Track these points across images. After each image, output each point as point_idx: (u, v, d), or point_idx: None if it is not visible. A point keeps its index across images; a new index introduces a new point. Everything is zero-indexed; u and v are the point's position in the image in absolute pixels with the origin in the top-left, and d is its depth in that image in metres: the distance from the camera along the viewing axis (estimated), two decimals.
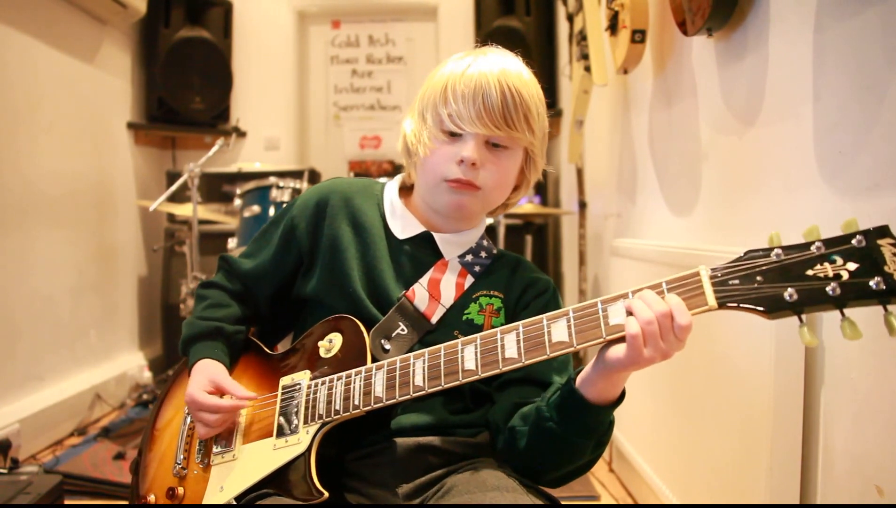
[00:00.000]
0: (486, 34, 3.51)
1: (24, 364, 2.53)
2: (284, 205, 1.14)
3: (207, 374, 1.00)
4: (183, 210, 2.76)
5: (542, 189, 3.57)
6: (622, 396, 0.84)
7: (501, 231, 2.85)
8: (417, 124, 1.00)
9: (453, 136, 0.96)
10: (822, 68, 1.15)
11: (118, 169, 3.36)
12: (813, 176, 1.16)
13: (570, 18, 2.70)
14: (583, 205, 2.88)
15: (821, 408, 1.14)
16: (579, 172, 2.87)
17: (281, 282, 1.09)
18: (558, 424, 0.85)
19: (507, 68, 0.95)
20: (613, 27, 2.01)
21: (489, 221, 3.01)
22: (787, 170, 1.27)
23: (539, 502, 0.88)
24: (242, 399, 0.98)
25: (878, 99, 1.01)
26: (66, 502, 1.87)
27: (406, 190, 1.09)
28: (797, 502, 1.16)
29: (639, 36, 1.88)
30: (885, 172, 0.99)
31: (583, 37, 2.37)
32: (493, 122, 0.93)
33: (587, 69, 2.32)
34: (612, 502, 2.08)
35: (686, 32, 1.55)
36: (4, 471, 1.90)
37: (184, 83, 3.62)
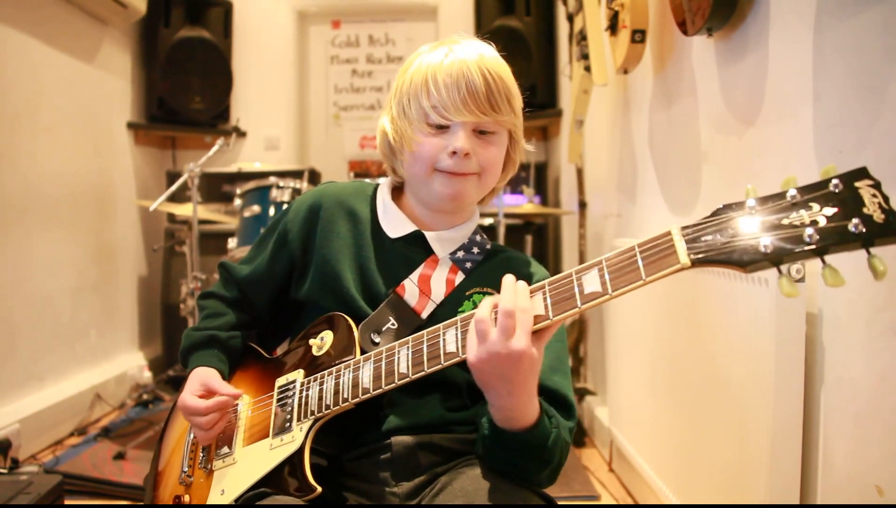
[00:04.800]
0: (486, 34, 3.50)
1: (24, 364, 2.53)
2: (283, 208, 1.15)
3: (199, 379, 1.01)
4: (183, 210, 2.76)
5: (542, 189, 3.57)
6: (537, 424, 0.84)
7: (501, 231, 2.85)
8: (399, 121, 1.00)
9: (440, 128, 0.96)
10: (822, 68, 1.15)
11: (118, 169, 3.36)
12: (813, 176, 1.15)
13: (570, 18, 2.70)
14: (583, 205, 2.88)
15: (821, 408, 1.14)
16: (579, 172, 2.87)
17: (276, 287, 1.10)
18: (491, 442, 0.87)
19: (484, 54, 0.97)
20: (613, 27, 2.01)
21: (488, 221, 3.03)
22: (787, 169, 1.27)
23: (534, 500, 0.88)
24: (228, 396, 0.99)
25: (878, 98, 1.01)
26: (66, 502, 1.87)
27: (398, 190, 1.10)
28: (797, 502, 1.16)
29: (639, 36, 1.88)
30: (885, 171, 0.99)
31: (583, 37, 2.37)
32: (480, 108, 0.93)
33: (587, 69, 2.32)
34: (612, 502, 2.08)
35: (686, 32, 1.55)
36: (4, 471, 1.90)
37: (184, 83, 3.62)
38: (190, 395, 0.99)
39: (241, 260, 1.14)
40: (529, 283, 1.03)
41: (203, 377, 1.01)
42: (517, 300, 0.78)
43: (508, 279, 0.80)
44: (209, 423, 0.98)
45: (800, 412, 1.15)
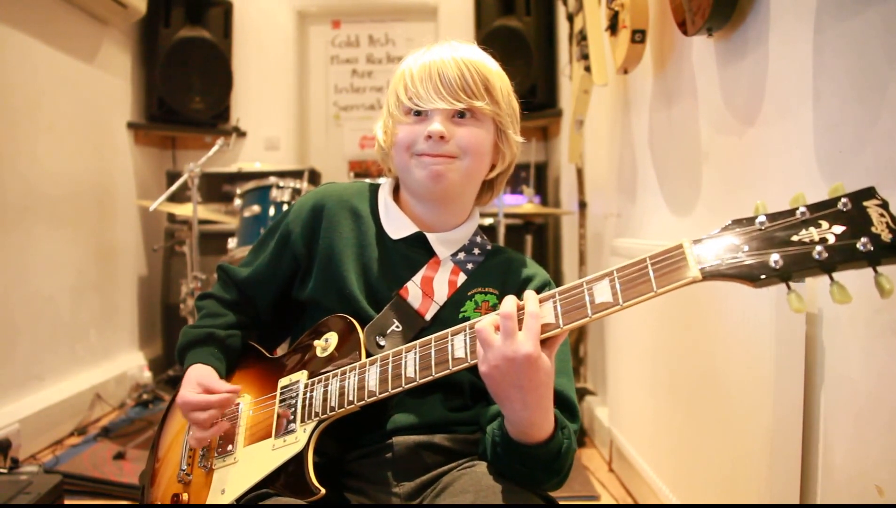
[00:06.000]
0: (486, 34, 3.51)
1: (24, 364, 2.53)
2: (283, 210, 1.15)
3: (195, 378, 1.01)
4: (183, 210, 2.76)
5: (542, 189, 3.57)
6: (553, 437, 0.85)
7: (502, 231, 2.85)
8: (386, 120, 1.03)
9: (418, 116, 0.98)
10: (822, 68, 1.15)
11: (118, 169, 3.37)
12: (813, 175, 1.16)
13: (570, 18, 2.70)
14: (583, 205, 2.88)
15: (821, 408, 1.14)
16: (579, 172, 2.87)
17: (278, 288, 1.09)
18: (501, 450, 0.88)
19: (460, 47, 1.00)
20: (613, 27, 2.01)
21: (488, 221, 3.03)
22: (787, 169, 1.27)
23: (535, 501, 0.88)
24: (229, 393, 0.98)
25: (878, 98, 1.01)
26: (66, 502, 1.87)
27: (398, 190, 1.10)
28: (797, 502, 1.16)
29: (639, 36, 1.88)
30: (885, 171, 0.99)
31: (583, 37, 2.37)
32: (452, 94, 0.95)
33: (587, 69, 2.32)
34: (612, 502, 2.08)
35: (686, 32, 1.55)
36: (4, 471, 1.90)
37: (184, 83, 3.62)
38: (189, 392, 0.98)
39: (239, 263, 1.14)
40: (530, 284, 1.04)
41: (200, 376, 1.01)
42: (528, 306, 0.79)
43: (508, 298, 0.81)
44: (209, 420, 0.98)
45: (800, 412, 1.15)
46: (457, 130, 0.97)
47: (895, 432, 0.98)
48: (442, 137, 0.95)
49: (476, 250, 1.06)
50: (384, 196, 1.08)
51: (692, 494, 1.56)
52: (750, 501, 1.24)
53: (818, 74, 1.16)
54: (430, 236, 1.03)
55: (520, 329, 0.77)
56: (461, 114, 0.97)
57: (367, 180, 1.17)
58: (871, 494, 1.00)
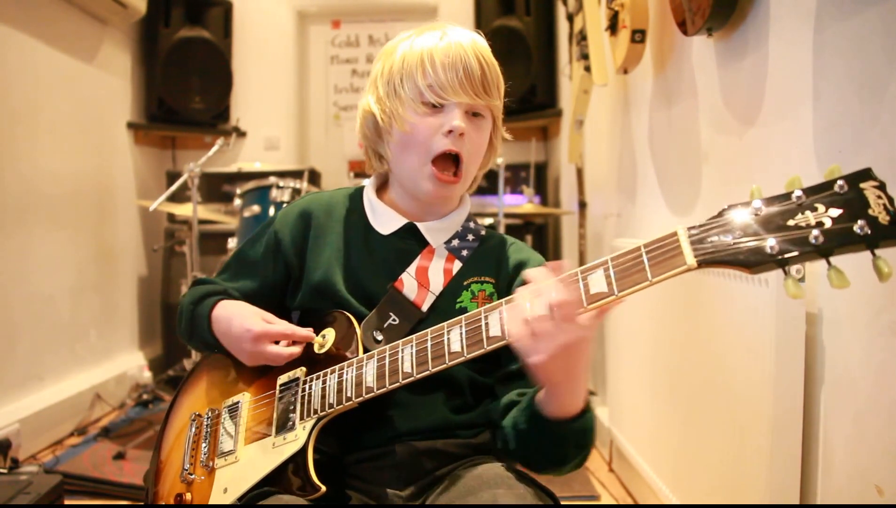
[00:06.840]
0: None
1: (24, 364, 2.53)
2: (265, 222, 1.13)
3: (251, 311, 1.01)
4: (183, 210, 2.76)
5: (542, 189, 3.57)
6: (586, 409, 0.84)
7: (501, 231, 2.85)
8: (388, 101, 0.98)
9: (434, 108, 0.96)
10: (822, 68, 1.15)
11: (118, 169, 3.37)
12: (813, 175, 1.16)
13: (570, 18, 2.70)
14: (583, 205, 2.88)
15: (821, 408, 1.14)
16: (579, 172, 2.87)
17: (271, 298, 1.08)
18: (531, 435, 0.88)
19: (476, 39, 1.00)
20: (613, 27, 2.01)
21: (488, 221, 3.03)
22: (787, 170, 1.27)
23: (537, 500, 0.88)
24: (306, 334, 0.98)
25: (877, 98, 1.01)
26: (66, 502, 1.87)
27: (382, 187, 1.09)
28: (797, 502, 1.16)
29: (639, 36, 1.88)
30: (884, 170, 0.98)
31: (583, 37, 2.37)
32: (475, 91, 0.95)
33: (587, 69, 2.32)
34: (612, 502, 2.08)
35: (686, 32, 1.55)
36: (4, 471, 1.90)
37: (184, 83, 3.62)
38: (257, 323, 0.98)
39: (220, 276, 1.13)
40: (526, 266, 1.03)
41: (254, 310, 1.01)
42: (557, 294, 0.75)
43: (556, 282, 0.76)
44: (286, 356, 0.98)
45: (800, 412, 1.15)
46: (470, 130, 0.97)
47: (895, 431, 0.98)
48: (462, 134, 0.95)
49: (470, 236, 1.06)
50: (369, 196, 1.08)
51: (692, 494, 1.56)
52: (750, 501, 1.24)
53: (818, 74, 1.16)
54: (421, 226, 1.03)
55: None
56: (474, 112, 0.98)
57: (358, 183, 1.16)
58: (871, 494, 1.00)
